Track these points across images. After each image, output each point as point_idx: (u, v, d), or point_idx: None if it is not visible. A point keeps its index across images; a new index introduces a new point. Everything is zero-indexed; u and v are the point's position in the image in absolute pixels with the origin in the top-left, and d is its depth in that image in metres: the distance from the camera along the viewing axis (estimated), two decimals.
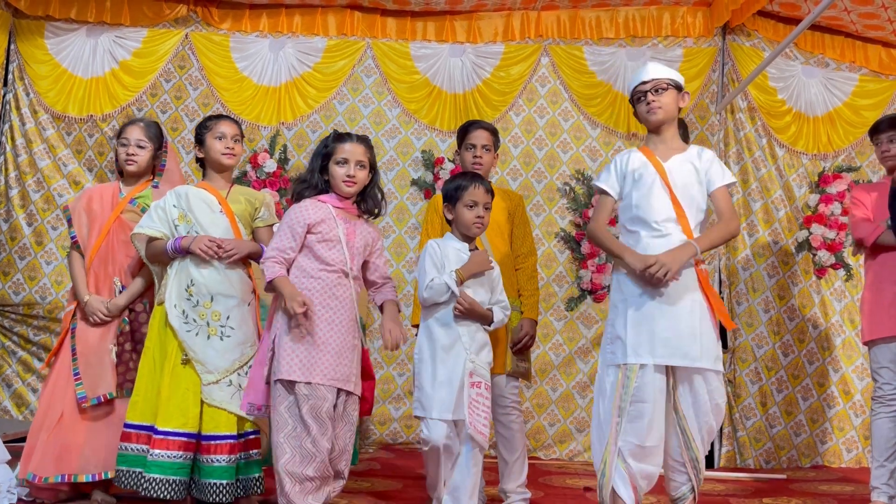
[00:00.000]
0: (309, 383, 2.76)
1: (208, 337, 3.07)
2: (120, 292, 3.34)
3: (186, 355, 3.06)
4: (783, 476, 4.52)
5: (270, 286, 2.86)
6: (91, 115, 5.04)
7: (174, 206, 3.21)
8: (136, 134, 3.44)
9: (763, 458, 4.85)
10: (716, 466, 4.81)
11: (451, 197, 3.00)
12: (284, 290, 2.81)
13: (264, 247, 3.25)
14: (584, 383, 4.95)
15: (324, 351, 2.80)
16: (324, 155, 2.97)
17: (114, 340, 3.30)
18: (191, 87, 5.14)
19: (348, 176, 2.94)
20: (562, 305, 5.00)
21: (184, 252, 3.12)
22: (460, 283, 2.92)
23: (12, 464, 3.32)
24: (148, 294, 3.37)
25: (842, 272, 5.02)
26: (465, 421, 2.83)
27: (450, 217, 3.03)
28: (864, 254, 3.73)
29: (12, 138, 5.05)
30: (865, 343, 3.66)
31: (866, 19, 4.88)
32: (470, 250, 3.02)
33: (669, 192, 2.89)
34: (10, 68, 5.10)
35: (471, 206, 2.96)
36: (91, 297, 3.30)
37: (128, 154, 3.42)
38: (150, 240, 3.21)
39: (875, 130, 3.78)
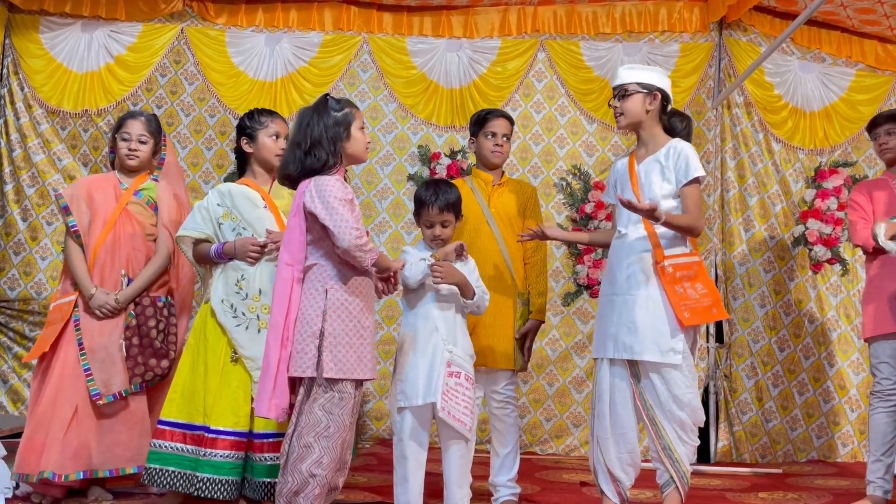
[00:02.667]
0: (356, 381, 2.65)
1: (258, 331, 3.05)
2: (126, 285, 3.33)
3: (236, 353, 3.04)
4: (779, 471, 4.53)
5: (378, 265, 2.67)
6: (86, 110, 5.02)
7: (218, 204, 3.18)
8: (137, 129, 3.41)
9: (759, 452, 4.86)
10: (712, 461, 4.82)
11: (416, 213, 3.03)
12: (388, 264, 2.72)
13: None
14: (580, 378, 4.95)
15: (371, 343, 2.70)
16: (348, 124, 2.70)
17: (122, 335, 3.29)
18: (186, 82, 5.13)
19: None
20: (558, 301, 5.00)
21: (227, 259, 3.11)
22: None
23: (8, 459, 3.30)
24: (152, 288, 3.38)
25: (838, 267, 5.03)
26: (437, 405, 2.78)
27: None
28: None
29: (7, 133, 5.03)
30: (866, 339, 3.67)
31: (863, 14, 4.88)
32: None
33: (636, 197, 3.02)
34: (5, 63, 5.07)
35: (429, 226, 3.02)
36: (97, 290, 3.28)
37: (130, 149, 3.40)
38: (197, 241, 3.18)
39: (873, 125, 3.78)
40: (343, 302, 2.63)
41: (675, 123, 3.10)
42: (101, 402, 3.21)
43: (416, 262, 2.90)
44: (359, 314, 2.65)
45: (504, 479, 3.33)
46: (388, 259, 2.77)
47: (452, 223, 3.03)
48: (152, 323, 3.33)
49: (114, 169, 3.51)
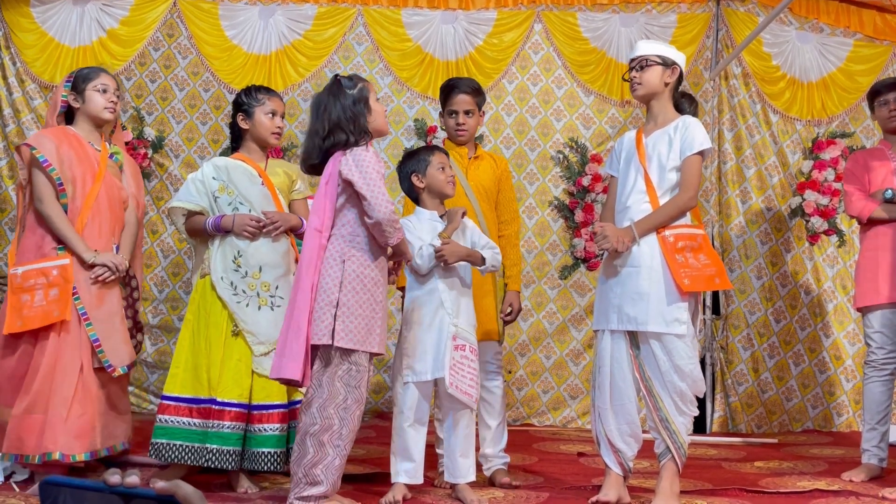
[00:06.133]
0: (369, 353, 2.69)
1: (259, 308, 3.06)
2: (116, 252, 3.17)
3: (237, 326, 3.04)
4: (774, 440, 4.56)
5: (397, 248, 2.73)
6: None
7: (213, 177, 3.14)
8: (113, 84, 3.20)
9: (755, 423, 4.89)
10: (708, 431, 4.85)
11: (420, 166, 3.04)
12: (405, 249, 2.77)
13: (304, 220, 3.18)
14: (577, 351, 4.97)
15: (382, 318, 2.74)
16: (365, 99, 2.72)
17: (121, 303, 3.14)
18: (180, 56, 5.08)
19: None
20: (555, 274, 5.01)
21: (224, 232, 3.08)
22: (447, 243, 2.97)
23: None
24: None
25: (835, 238, 5.03)
26: (444, 380, 2.84)
27: (421, 185, 3.04)
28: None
29: (0, 108, 4.99)
30: (859, 309, 3.68)
31: None
32: (440, 216, 3.05)
33: (643, 168, 3.00)
34: None
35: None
36: (97, 252, 3.06)
37: (110, 101, 3.16)
38: (190, 213, 3.15)
39: (879, 91, 3.71)
40: (359, 274, 2.68)
41: (683, 104, 3.12)
42: (115, 374, 3.03)
43: (424, 248, 2.92)
44: (372, 287, 2.70)
45: (495, 450, 3.35)
46: (407, 246, 2.82)
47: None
48: (136, 295, 3.26)
49: (69, 123, 3.21)
